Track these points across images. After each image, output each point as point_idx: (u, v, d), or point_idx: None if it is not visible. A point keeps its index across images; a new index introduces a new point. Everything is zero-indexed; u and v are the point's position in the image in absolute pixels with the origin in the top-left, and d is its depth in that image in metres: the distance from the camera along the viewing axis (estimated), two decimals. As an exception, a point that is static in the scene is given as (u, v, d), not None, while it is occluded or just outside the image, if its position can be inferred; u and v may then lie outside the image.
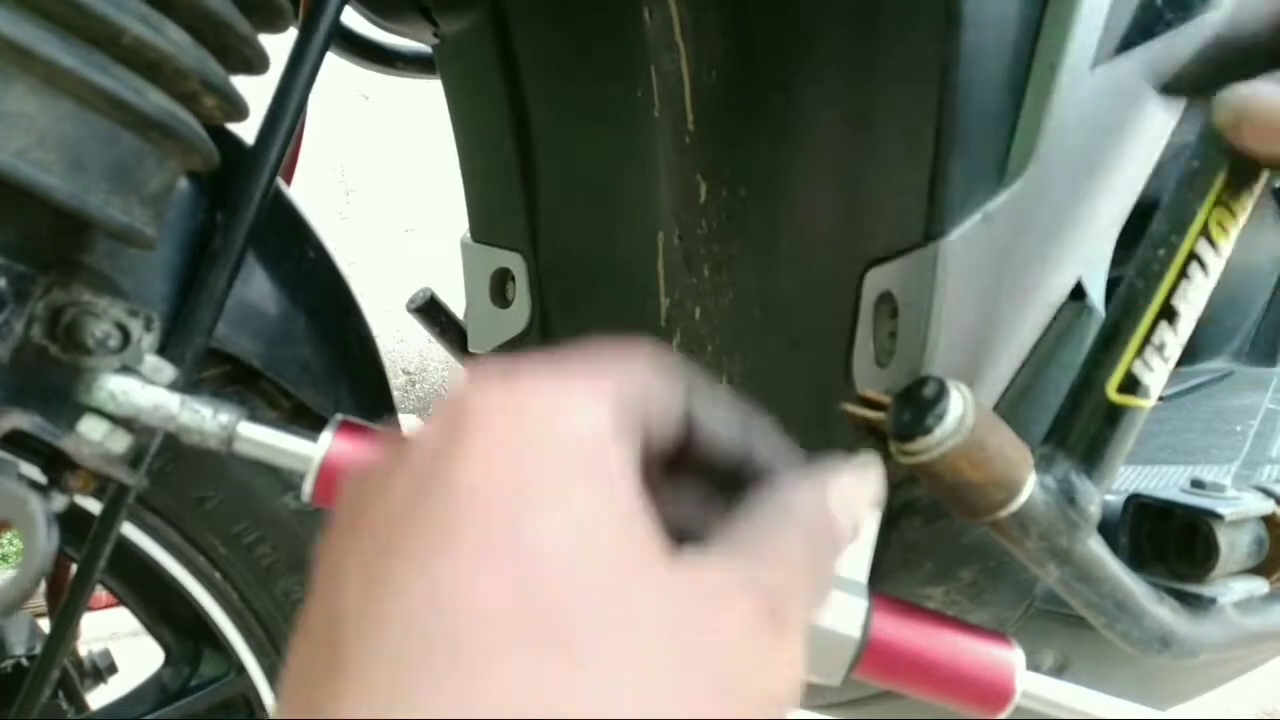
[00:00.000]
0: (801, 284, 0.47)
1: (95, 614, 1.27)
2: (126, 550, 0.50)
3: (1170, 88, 0.33)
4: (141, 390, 0.34)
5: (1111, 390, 0.37)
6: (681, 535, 0.22)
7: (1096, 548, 0.37)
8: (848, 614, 0.32)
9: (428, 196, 2.48)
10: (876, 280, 0.41)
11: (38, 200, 0.31)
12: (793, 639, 0.21)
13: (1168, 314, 0.37)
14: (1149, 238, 0.38)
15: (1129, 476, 0.54)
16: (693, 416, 0.25)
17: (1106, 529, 0.40)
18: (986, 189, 0.37)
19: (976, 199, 0.37)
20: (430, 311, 0.70)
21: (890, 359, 0.40)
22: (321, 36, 0.43)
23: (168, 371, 0.36)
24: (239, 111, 0.38)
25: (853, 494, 0.25)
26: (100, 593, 0.59)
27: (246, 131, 0.45)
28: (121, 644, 0.82)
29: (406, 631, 0.17)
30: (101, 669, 0.76)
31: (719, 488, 0.26)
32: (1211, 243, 0.37)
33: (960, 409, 0.31)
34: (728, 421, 0.25)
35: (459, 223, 0.67)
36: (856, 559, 0.33)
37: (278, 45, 0.41)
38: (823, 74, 0.43)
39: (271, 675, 0.58)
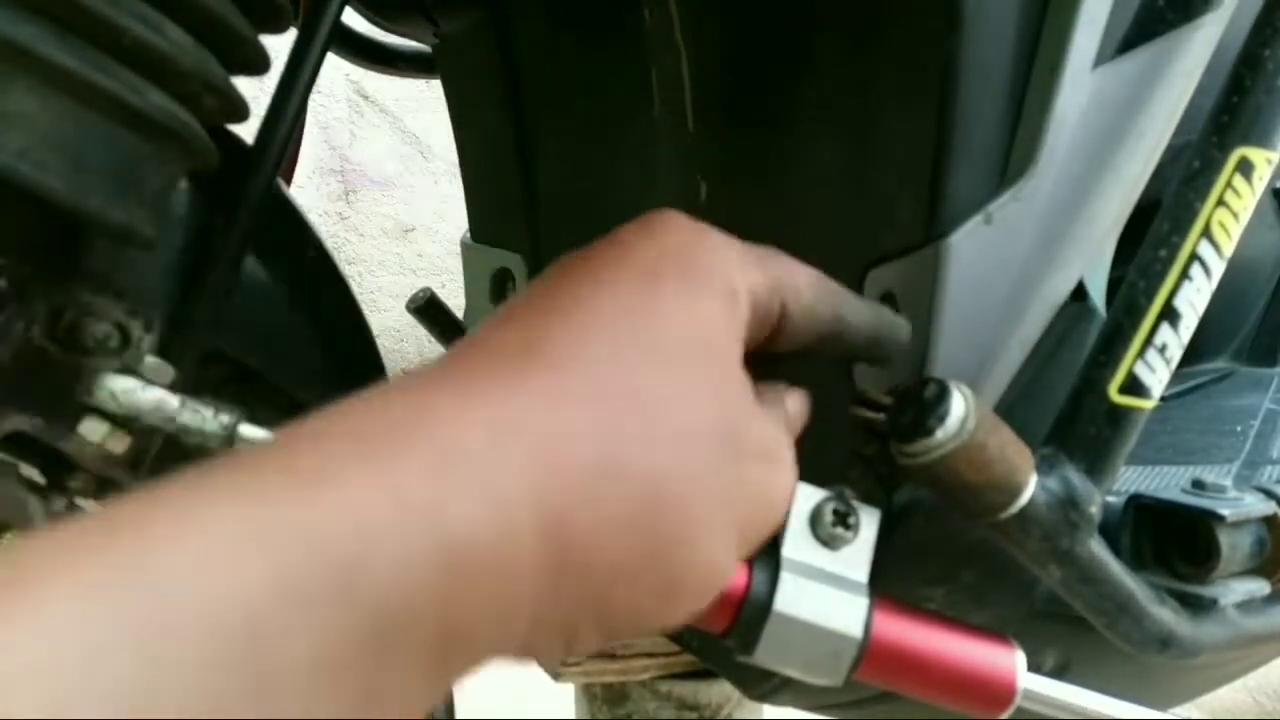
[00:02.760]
0: (802, 284, 0.47)
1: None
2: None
3: None
4: (142, 391, 0.34)
5: (1113, 391, 0.37)
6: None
7: (1098, 549, 0.37)
8: (849, 614, 0.31)
9: (428, 196, 2.48)
10: (878, 280, 0.41)
11: (38, 200, 0.31)
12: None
13: (1169, 314, 0.37)
14: (1150, 238, 0.38)
15: (1130, 477, 0.54)
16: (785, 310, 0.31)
17: (1107, 530, 0.40)
18: (988, 189, 0.37)
19: (978, 199, 0.37)
20: (430, 311, 0.70)
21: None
22: (321, 36, 0.43)
23: (168, 372, 0.36)
24: (239, 112, 0.38)
25: None
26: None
27: (246, 132, 0.45)
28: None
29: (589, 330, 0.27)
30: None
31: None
32: (1213, 243, 0.37)
33: (962, 410, 0.31)
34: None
35: (459, 223, 0.67)
36: (857, 559, 0.33)
37: (278, 45, 0.41)
38: (823, 74, 0.43)
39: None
